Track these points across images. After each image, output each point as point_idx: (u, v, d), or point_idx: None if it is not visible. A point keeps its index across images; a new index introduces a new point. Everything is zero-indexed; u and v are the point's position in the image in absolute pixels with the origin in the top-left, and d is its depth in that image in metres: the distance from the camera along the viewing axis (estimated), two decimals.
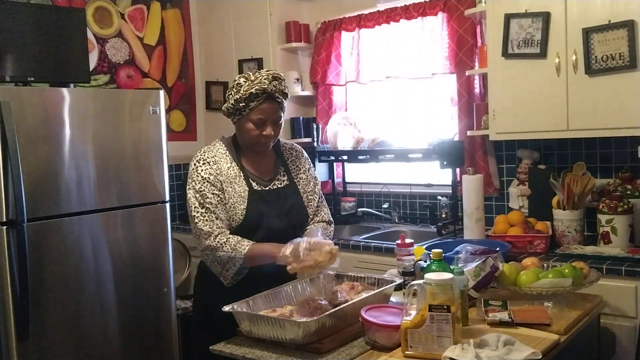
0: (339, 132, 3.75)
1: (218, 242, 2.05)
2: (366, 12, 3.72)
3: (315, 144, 3.82)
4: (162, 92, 3.20)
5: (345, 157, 3.72)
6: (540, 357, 1.58)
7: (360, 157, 3.61)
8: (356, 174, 4.00)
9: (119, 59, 3.95)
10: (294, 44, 3.91)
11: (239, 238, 2.07)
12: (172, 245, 3.24)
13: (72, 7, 3.62)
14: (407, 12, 3.51)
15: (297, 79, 3.96)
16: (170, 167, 3.31)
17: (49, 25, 3.00)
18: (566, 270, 2.01)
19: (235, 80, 2.11)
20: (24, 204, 2.56)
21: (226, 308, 1.80)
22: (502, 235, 2.86)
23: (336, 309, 1.79)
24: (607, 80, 2.60)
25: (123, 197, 3.00)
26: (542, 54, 2.76)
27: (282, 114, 2.16)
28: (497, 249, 2.27)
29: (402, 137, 3.66)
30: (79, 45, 3.12)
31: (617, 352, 2.40)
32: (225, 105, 2.14)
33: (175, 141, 4.18)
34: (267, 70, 2.11)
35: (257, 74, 2.09)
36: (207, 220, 2.08)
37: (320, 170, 3.92)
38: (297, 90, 3.95)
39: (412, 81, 3.62)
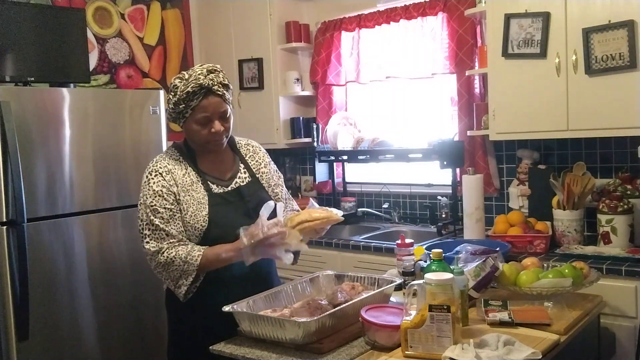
0: (339, 132, 3.75)
1: (167, 257, 1.91)
2: (366, 12, 3.72)
3: (315, 144, 3.82)
4: (162, 92, 3.20)
5: (345, 157, 3.72)
6: (540, 357, 1.58)
7: (360, 157, 3.61)
8: (356, 174, 4.00)
9: (119, 59, 3.95)
10: (294, 44, 3.91)
11: (189, 248, 1.93)
12: None
13: (72, 7, 3.62)
14: (407, 12, 3.51)
15: (297, 79, 3.96)
16: None
17: (49, 25, 3.00)
18: (566, 270, 2.01)
19: (172, 83, 1.99)
20: (24, 204, 2.56)
21: (226, 308, 1.80)
22: (502, 235, 2.86)
23: (336, 309, 1.78)
24: (607, 80, 2.60)
25: (123, 197, 3.00)
26: (542, 54, 2.76)
27: (229, 107, 2.01)
28: (497, 249, 2.27)
29: (402, 137, 3.66)
30: (79, 45, 3.12)
31: (617, 352, 2.40)
32: (167, 111, 2.01)
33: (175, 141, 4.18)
34: (201, 65, 1.99)
35: (190, 71, 1.97)
36: (156, 238, 1.94)
37: (320, 170, 3.92)
38: (297, 90, 3.95)
39: (412, 81, 3.62)
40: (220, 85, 1.96)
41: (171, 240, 1.94)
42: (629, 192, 2.77)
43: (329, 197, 3.93)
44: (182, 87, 1.94)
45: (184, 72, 1.98)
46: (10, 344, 2.58)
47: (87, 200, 2.86)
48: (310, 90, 4.03)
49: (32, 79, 2.91)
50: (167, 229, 1.94)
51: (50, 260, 2.72)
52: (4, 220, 2.57)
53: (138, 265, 3.04)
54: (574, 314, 1.92)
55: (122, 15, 3.97)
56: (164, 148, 3.16)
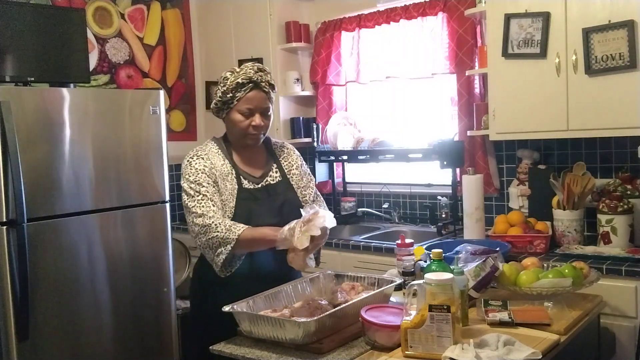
0: (339, 132, 3.75)
1: (212, 222, 2.01)
2: (366, 12, 3.72)
3: (315, 144, 3.82)
4: (162, 92, 3.20)
5: (345, 157, 3.72)
6: (540, 357, 1.58)
7: (360, 157, 3.61)
8: (356, 174, 4.00)
9: (119, 59, 3.95)
10: (294, 44, 3.91)
11: (234, 222, 2.03)
12: (172, 245, 3.23)
13: (72, 7, 3.62)
14: (407, 12, 3.51)
15: (297, 79, 3.96)
16: (170, 167, 3.31)
17: (49, 25, 3.00)
18: (566, 270, 2.01)
19: (222, 75, 2.14)
20: (24, 204, 2.56)
21: (226, 308, 1.80)
22: (502, 235, 2.86)
23: (336, 309, 1.79)
24: (607, 80, 2.60)
25: (123, 197, 3.00)
26: (542, 54, 2.76)
27: (271, 106, 2.15)
28: (497, 249, 2.27)
29: (402, 137, 3.66)
30: (79, 45, 3.12)
31: (617, 352, 2.40)
32: (214, 101, 2.15)
33: (175, 141, 4.18)
34: (253, 63, 2.15)
35: (243, 66, 2.14)
36: (202, 206, 2.04)
37: (320, 170, 3.92)
38: (297, 90, 3.95)
39: (412, 81, 3.62)
40: (267, 84, 2.13)
41: (215, 210, 2.04)
42: (629, 192, 2.77)
43: (329, 197, 3.93)
44: (232, 79, 2.09)
45: (235, 67, 2.14)
46: (10, 344, 2.58)
47: (87, 200, 2.86)
48: (310, 90, 4.03)
49: (32, 79, 2.91)
50: (213, 199, 2.06)
51: (50, 260, 2.72)
52: (4, 220, 2.56)
53: (138, 266, 3.04)
54: (574, 314, 1.92)
55: (122, 15, 3.97)
56: (164, 148, 3.16)
